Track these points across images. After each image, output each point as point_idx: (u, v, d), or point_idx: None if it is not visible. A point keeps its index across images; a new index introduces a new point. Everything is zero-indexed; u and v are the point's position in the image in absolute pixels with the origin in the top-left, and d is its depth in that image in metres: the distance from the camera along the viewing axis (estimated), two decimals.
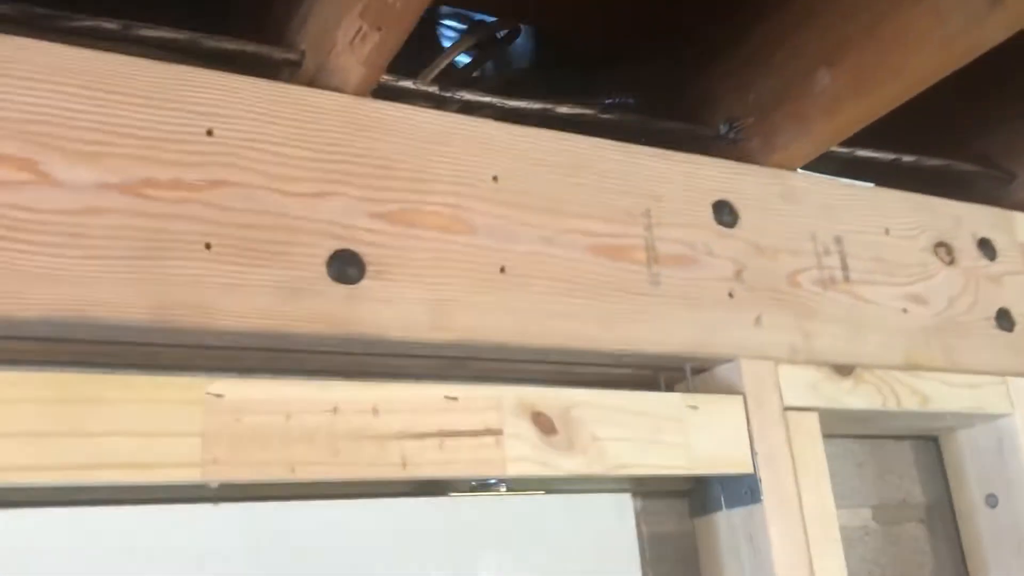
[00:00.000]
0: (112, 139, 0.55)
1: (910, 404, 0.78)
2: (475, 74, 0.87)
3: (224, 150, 0.58)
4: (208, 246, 0.55)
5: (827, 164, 0.90)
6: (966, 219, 0.90)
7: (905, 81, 0.69)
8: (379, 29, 0.57)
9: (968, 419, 0.85)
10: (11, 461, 0.48)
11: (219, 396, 0.52)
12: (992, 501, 0.85)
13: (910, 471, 0.90)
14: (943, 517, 0.89)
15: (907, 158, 0.93)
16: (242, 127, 0.59)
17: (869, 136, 0.93)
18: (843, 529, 0.84)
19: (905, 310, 0.82)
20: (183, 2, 0.75)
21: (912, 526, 0.88)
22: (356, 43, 0.58)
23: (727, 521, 0.71)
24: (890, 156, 0.92)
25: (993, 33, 0.63)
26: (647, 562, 0.73)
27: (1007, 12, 0.60)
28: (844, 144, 0.90)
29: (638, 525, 0.73)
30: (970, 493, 0.87)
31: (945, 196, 0.92)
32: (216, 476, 0.51)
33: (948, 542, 0.89)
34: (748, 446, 0.69)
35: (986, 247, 0.90)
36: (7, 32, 0.55)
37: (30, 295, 0.50)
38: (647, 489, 0.74)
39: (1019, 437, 0.84)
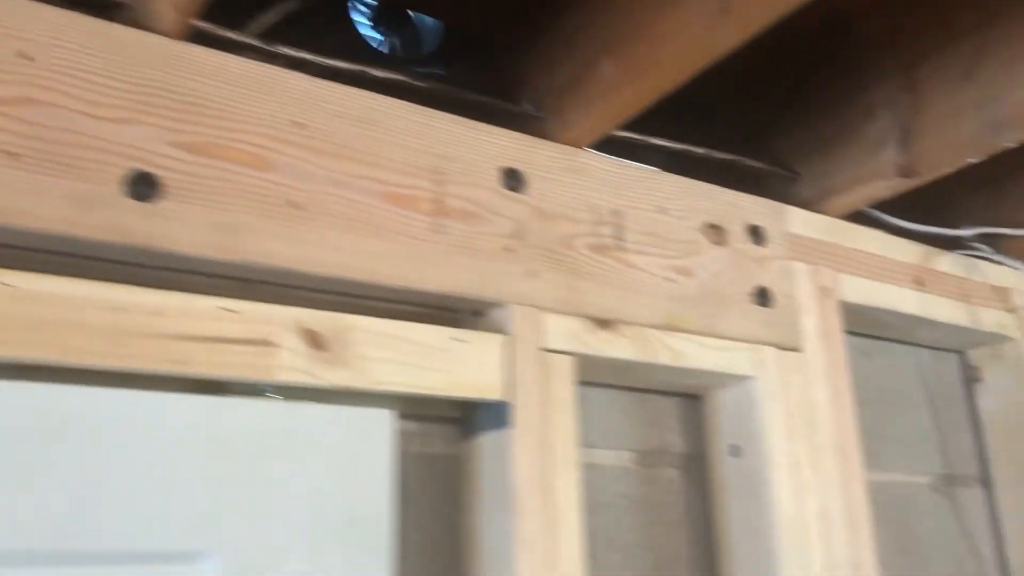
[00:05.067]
0: None
1: (664, 359, 0.90)
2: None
3: (39, 73, 0.65)
4: (12, 155, 0.62)
5: (631, 152, 1.02)
6: (740, 207, 1.03)
7: (666, 73, 0.81)
8: None
9: (723, 379, 0.98)
10: None
11: (9, 286, 0.60)
12: (735, 452, 0.98)
13: (672, 423, 1.03)
14: (697, 465, 1.02)
15: (697, 150, 1.06)
16: (59, 55, 0.66)
17: (694, 136, 1.06)
18: (605, 467, 0.96)
19: (670, 279, 0.94)
20: None
21: (668, 471, 1.00)
22: None
23: (484, 443, 0.82)
24: (680, 146, 1.05)
25: (726, 37, 0.75)
26: (417, 480, 0.83)
27: (735, 20, 0.72)
28: (644, 133, 1.02)
29: (411, 446, 0.83)
30: (719, 445, 1.00)
31: (739, 190, 1.05)
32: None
33: (699, 486, 1.01)
34: (504, 378, 0.79)
35: (755, 233, 1.03)
36: None
37: None
38: (423, 412, 0.84)
39: (760, 397, 0.97)
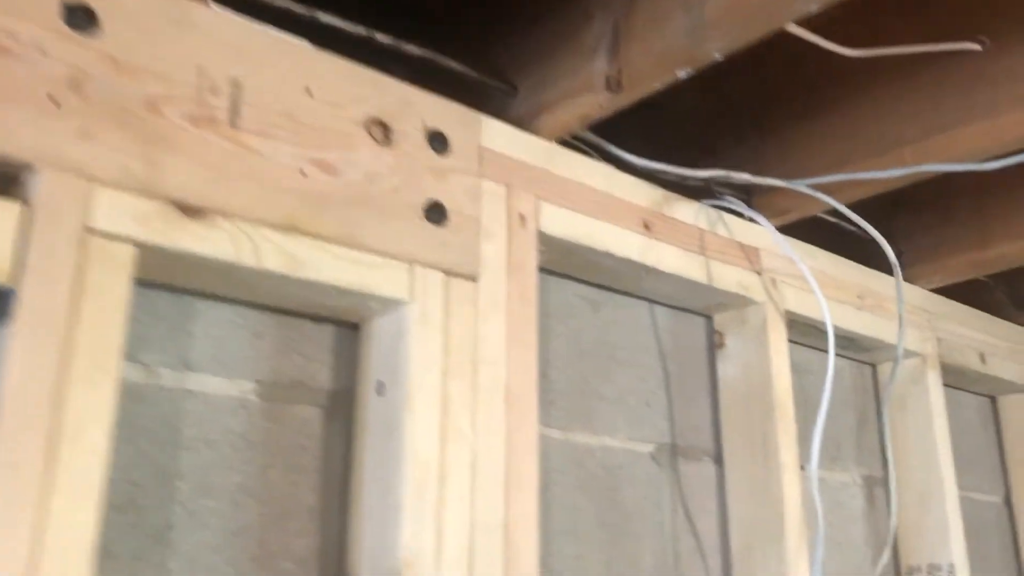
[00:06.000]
0: None
1: (274, 265, 0.74)
2: None
3: None
4: None
5: (315, 34, 0.85)
6: (419, 106, 0.87)
7: None
8: None
9: (369, 302, 0.82)
10: None
11: None
12: (380, 388, 0.83)
13: (322, 355, 0.87)
14: (346, 404, 0.86)
15: (382, 37, 0.90)
16: None
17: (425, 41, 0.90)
18: (211, 396, 0.79)
19: (304, 173, 0.78)
20: None
21: (305, 408, 0.84)
22: None
23: None
24: (362, 31, 0.89)
25: None
26: None
27: None
28: (315, 7, 0.86)
29: None
30: (368, 380, 0.85)
31: (455, 99, 0.90)
32: None
33: (345, 428, 0.86)
34: (13, 257, 0.61)
35: (438, 140, 0.88)
36: None
37: None
38: None
39: (413, 326, 0.82)
